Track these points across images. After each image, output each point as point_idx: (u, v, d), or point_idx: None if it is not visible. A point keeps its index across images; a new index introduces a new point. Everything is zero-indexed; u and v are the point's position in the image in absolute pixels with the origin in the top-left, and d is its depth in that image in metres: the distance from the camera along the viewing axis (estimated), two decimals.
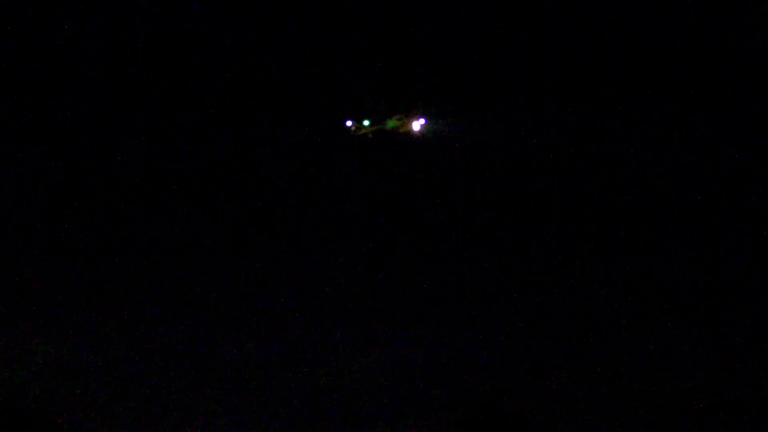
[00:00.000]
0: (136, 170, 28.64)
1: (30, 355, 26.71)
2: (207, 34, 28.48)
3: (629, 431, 25.36)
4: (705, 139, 28.08)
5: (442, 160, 28.59)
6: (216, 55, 28.55)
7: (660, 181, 28.31)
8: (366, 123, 28.48)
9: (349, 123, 28.46)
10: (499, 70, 28.48)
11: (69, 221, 28.40)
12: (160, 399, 26.30)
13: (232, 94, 28.62)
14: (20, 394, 25.72)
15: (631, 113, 28.36)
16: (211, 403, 26.28)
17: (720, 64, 27.94)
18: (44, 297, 27.67)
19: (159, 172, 28.63)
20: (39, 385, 26.13)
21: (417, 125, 28.45)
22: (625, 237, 28.12)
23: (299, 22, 28.43)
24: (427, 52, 28.56)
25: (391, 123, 28.52)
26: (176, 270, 28.05)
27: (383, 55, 28.51)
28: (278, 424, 25.92)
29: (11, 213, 28.32)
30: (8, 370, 26.21)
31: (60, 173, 28.60)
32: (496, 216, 28.51)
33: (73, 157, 28.69)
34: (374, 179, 28.73)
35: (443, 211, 28.61)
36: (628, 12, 27.95)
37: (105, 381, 26.57)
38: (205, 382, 26.62)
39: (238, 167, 28.71)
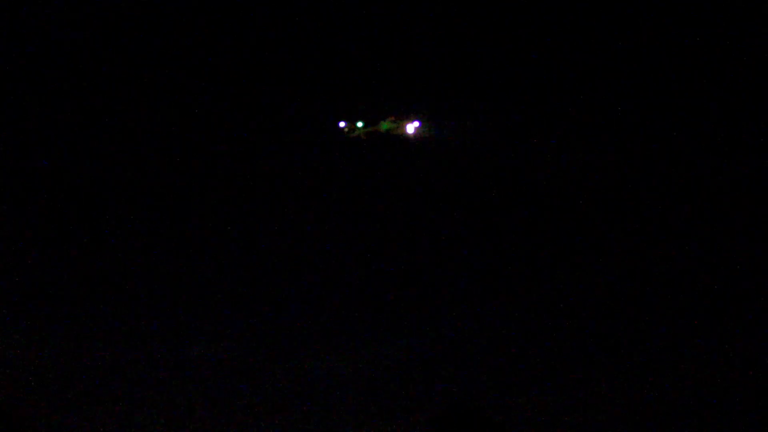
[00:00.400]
0: (109, 168, 28.37)
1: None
2: (198, 34, 27.88)
3: None
4: (706, 142, 27.60)
5: (437, 163, 28.20)
6: (208, 55, 28.05)
7: (655, 185, 27.97)
8: (360, 124, 27.96)
9: (342, 124, 27.96)
10: (495, 72, 27.88)
11: (32, 217, 28.17)
12: (138, 396, 26.65)
13: (224, 93, 28.19)
14: None
15: (628, 114, 27.90)
16: (182, 400, 26.63)
17: (720, 65, 27.22)
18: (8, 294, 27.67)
19: (143, 170, 28.38)
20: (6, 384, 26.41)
21: (411, 128, 27.90)
22: (608, 240, 27.98)
23: (293, 21, 27.80)
24: (422, 54, 27.92)
25: (385, 125, 27.98)
26: (159, 265, 28.02)
27: (378, 56, 27.91)
28: (251, 421, 26.34)
29: None
30: None
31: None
32: (487, 220, 28.32)
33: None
34: (367, 181, 28.45)
35: (435, 214, 28.43)
36: (626, 13, 27.10)
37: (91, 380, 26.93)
38: (179, 378, 26.94)
39: (228, 165, 28.43)
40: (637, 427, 25.72)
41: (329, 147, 28.06)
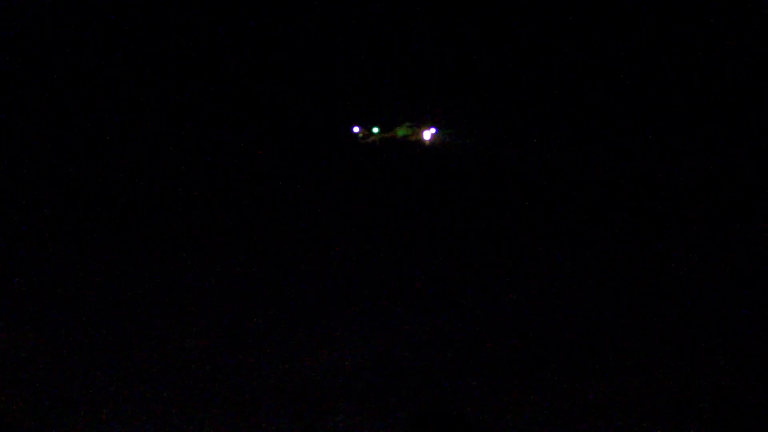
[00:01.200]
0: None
1: None
2: (210, 35, 27.50)
3: None
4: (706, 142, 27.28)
5: (453, 170, 27.77)
6: (220, 55, 27.66)
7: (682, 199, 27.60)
8: (375, 130, 27.52)
9: (356, 129, 27.52)
10: (514, 80, 27.42)
11: (20, 215, 27.67)
12: (128, 391, 26.30)
13: (236, 97, 27.77)
14: None
15: (650, 122, 27.47)
16: (173, 395, 26.26)
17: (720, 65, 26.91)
18: None
19: (140, 170, 28.00)
20: None
21: (428, 134, 27.45)
22: (603, 241, 27.69)
23: (308, 24, 27.33)
24: (439, 59, 27.47)
25: (400, 131, 27.54)
26: (154, 260, 27.67)
27: (394, 61, 27.45)
28: (236, 417, 26.02)
29: None
30: None
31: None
32: (502, 230, 27.92)
33: None
34: (380, 188, 28.03)
35: (448, 220, 28.04)
36: (652, 24, 26.76)
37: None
38: (169, 372, 26.59)
39: (235, 166, 28.03)
40: (620, 426, 25.51)
41: (343, 152, 27.65)
